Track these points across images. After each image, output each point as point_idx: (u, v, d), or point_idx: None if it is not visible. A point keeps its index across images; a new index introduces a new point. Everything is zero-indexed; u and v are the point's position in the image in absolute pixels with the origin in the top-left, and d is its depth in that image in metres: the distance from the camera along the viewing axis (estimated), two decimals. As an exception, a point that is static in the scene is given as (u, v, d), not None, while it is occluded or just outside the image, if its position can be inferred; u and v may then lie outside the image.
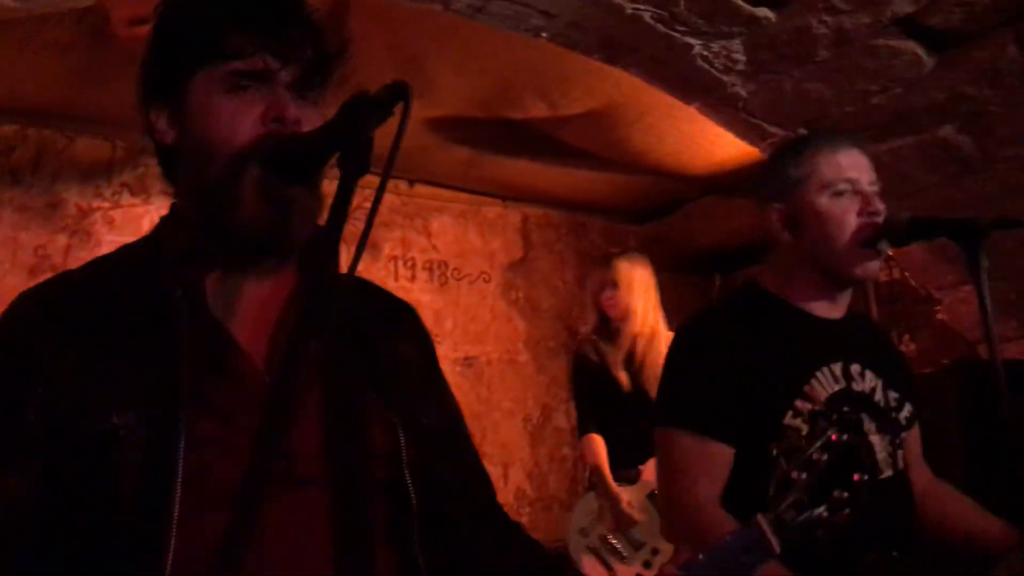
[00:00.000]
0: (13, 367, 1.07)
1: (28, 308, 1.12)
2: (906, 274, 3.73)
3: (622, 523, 3.46)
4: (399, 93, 0.96)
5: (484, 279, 5.01)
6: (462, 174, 4.67)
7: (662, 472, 1.88)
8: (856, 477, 1.21)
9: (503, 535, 1.29)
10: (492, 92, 3.67)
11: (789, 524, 1.19)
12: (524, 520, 4.73)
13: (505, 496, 4.77)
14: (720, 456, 1.76)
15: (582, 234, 5.45)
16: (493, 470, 4.90)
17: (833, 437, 1.22)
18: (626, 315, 3.64)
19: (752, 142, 2.99)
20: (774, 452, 1.75)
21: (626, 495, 3.49)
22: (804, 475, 1.21)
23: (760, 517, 1.19)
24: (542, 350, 5.14)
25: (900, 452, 1.88)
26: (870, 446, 1.32)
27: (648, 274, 3.72)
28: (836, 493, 1.20)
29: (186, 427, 0.99)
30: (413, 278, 4.71)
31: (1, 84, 3.38)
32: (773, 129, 2.90)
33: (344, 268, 0.96)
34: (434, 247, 4.85)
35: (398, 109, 0.95)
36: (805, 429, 1.75)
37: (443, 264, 4.87)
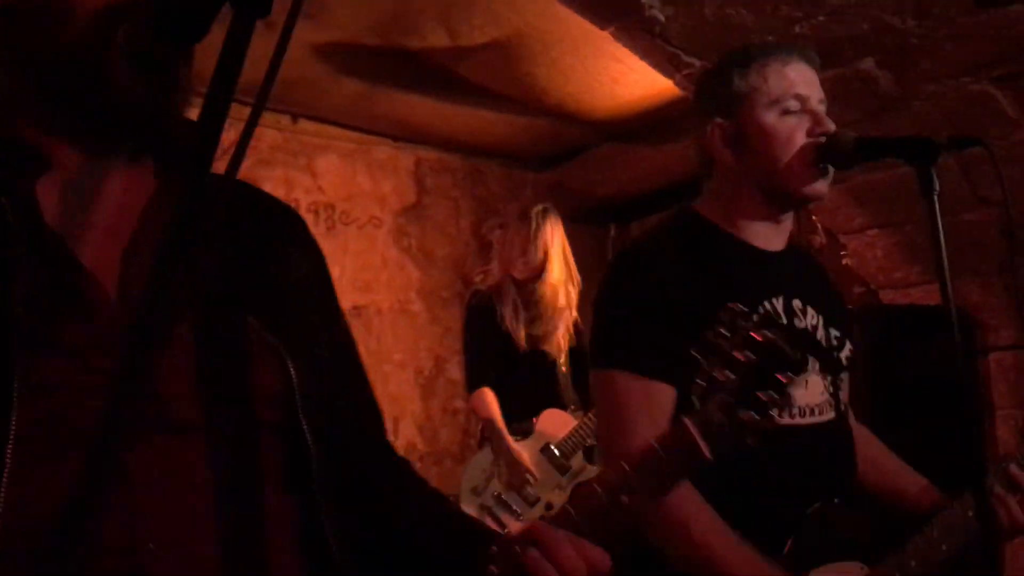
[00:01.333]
0: None
1: None
2: (814, 217, 3.69)
3: (517, 480, 3.37)
4: None
5: (374, 224, 4.77)
6: (351, 110, 4.40)
7: (601, 416, 1.77)
8: (782, 377, 1.12)
9: (397, 472, 1.17)
10: (389, 16, 3.42)
11: (715, 424, 1.10)
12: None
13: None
14: (662, 396, 1.62)
15: (479, 180, 5.26)
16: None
17: (753, 335, 1.14)
18: (539, 277, 3.60)
19: (667, 73, 2.85)
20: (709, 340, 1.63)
21: (519, 448, 3.40)
22: (728, 375, 1.12)
23: (687, 419, 1.10)
24: (435, 300, 4.96)
25: (840, 393, 1.78)
26: (795, 337, 1.21)
27: (562, 232, 3.71)
28: (761, 394, 1.11)
29: (21, 371, 0.81)
30: (297, 221, 4.44)
31: None
32: (689, 59, 2.76)
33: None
34: (320, 188, 4.58)
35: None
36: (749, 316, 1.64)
37: (330, 207, 4.61)
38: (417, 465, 4.22)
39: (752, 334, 1.14)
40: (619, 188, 5.20)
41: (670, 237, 1.82)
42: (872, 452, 1.96)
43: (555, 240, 3.66)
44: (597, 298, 1.80)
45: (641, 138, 4.69)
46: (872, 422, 2.88)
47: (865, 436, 1.98)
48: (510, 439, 3.41)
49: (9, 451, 0.79)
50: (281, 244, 1.08)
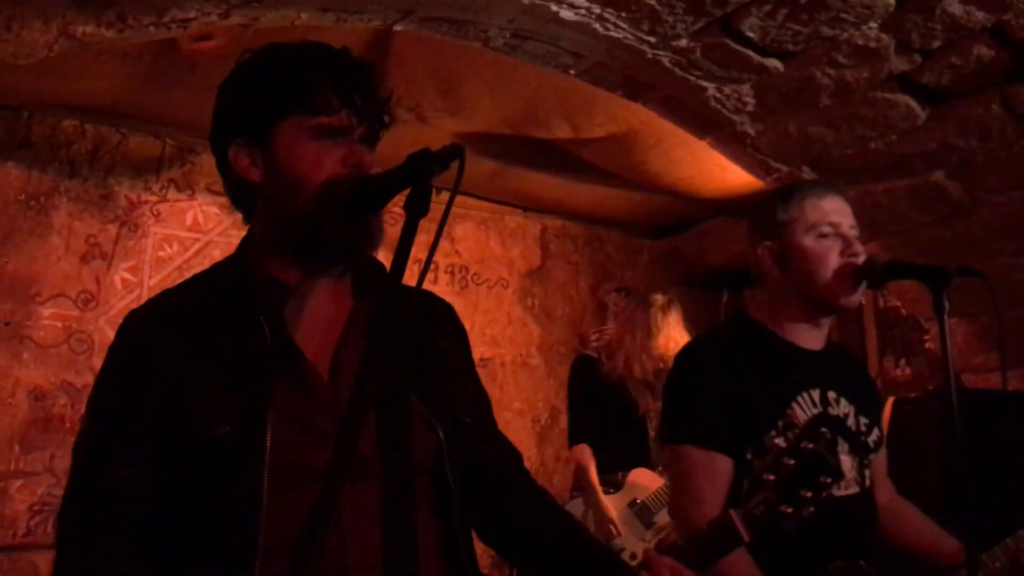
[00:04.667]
0: (131, 375, 1.32)
1: (140, 323, 1.37)
2: (899, 303, 3.96)
3: (603, 532, 3.66)
4: (456, 153, 1.23)
5: (502, 285, 5.25)
6: (487, 184, 4.91)
7: (673, 484, 2.10)
8: (822, 479, 1.38)
9: (532, 496, 1.54)
10: (521, 113, 3.92)
11: (758, 517, 1.38)
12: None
13: (511, 492, 5.01)
14: (723, 466, 1.97)
15: (597, 246, 5.69)
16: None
17: (802, 445, 1.41)
18: (657, 356, 3.92)
19: (758, 176, 3.23)
20: (748, 457, 1.98)
21: (608, 501, 3.71)
22: (773, 476, 1.39)
23: (731, 511, 1.40)
24: (553, 355, 5.37)
25: (867, 472, 2.11)
26: (836, 455, 1.52)
27: (678, 318, 4.04)
28: (802, 492, 1.37)
29: (271, 433, 1.24)
30: (435, 280, 4.96)
31: (70, 84, 3.65)
32: (778, 165, 3.14)
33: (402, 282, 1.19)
34: (456, 252, 5.10)
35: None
36: (797, 430, 1.99)
37: (464, 268, 5.12)
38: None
39: (802, 444, 1.39)
40: (729, 258, 5.50)
41: (727, 335, 2.21)
42: (912, 521, 2.24)
43: (674, 330, 3.98)
44: (667, 384, 2.20)
45: (749, 215, 4.98)
46: (942, 497, 3.16)
47: (905, 507, 2.28)
48: (602, 494, 3.72)
49: (265, 483, 1.23)
50: (438, 334, 1.49)
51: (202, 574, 1.24)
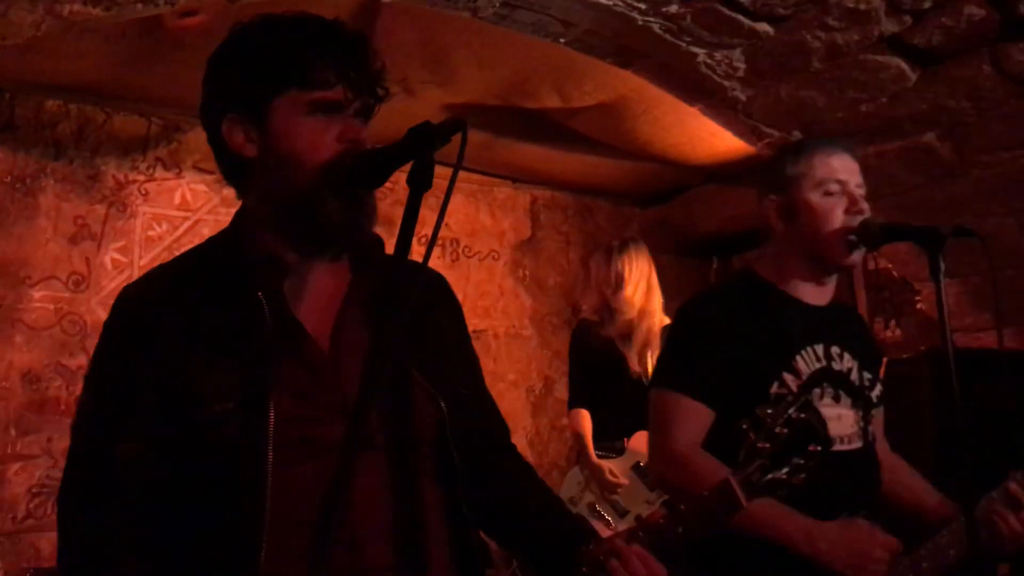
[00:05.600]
0: (130, 350, 1.32)
1: (137, 299, 1.37)
2: (889, 265, 3.98)
3: (607, 490, 3.69)
4: (457, 126, 1.23)
5: (493, 257, 5.25)
6: (476, 156, 4.86)
7: (652, 425, 2.13)
8: (811, 447, 1.48)
9: (521, 471, 1.58)
10: (510, 83, 3.90)
11: (755, 483, 1.46)
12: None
13: (507, 462, 5.05)
14: (697, 412, 2.02)
15: (588, 216, 5.69)
16: (498, 437, 5.17)
17: (793, 415, 1.50)
18: (627, 306, 3.90)
19: (749, 142, 3.23)
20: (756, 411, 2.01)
21: (611, 465, 3.73)
22: (768, 444, 1.48)
23: (730, 477, 1.47)
24: (546, 325, 5.38)
25: (870, 427, 2.15)
26: (824, 422, 1.58)
27: (647, 263, 3.98)
28: (795, 460, 1.47)
29: (274, 408, 1.25)
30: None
31: (53, 64, 3.60)
32: (769, 130, 3.14)
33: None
34: (447, 225, 5.08)
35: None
36: (790, 398, 2.02)
37: (455, 241, 5.11)
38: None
39: (791, 413, 1.49)
40: (720, 225, 5.51)
41: (732, 289, 2.23)
42: (905, 478, 2.28)
43: (633, 270, 3.92)
44: (668, 333, 2.23)
45: (739, 180, 5.00)
46: (935, 457, 3.20)
47: (899, 464, 2.31)
48: (594, 455, 3.74)
49: (270, 458, 1.24)
50: (433, 308, 1.52)
51: (209, 549, 1.25)
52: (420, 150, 1.23)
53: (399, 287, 1.26)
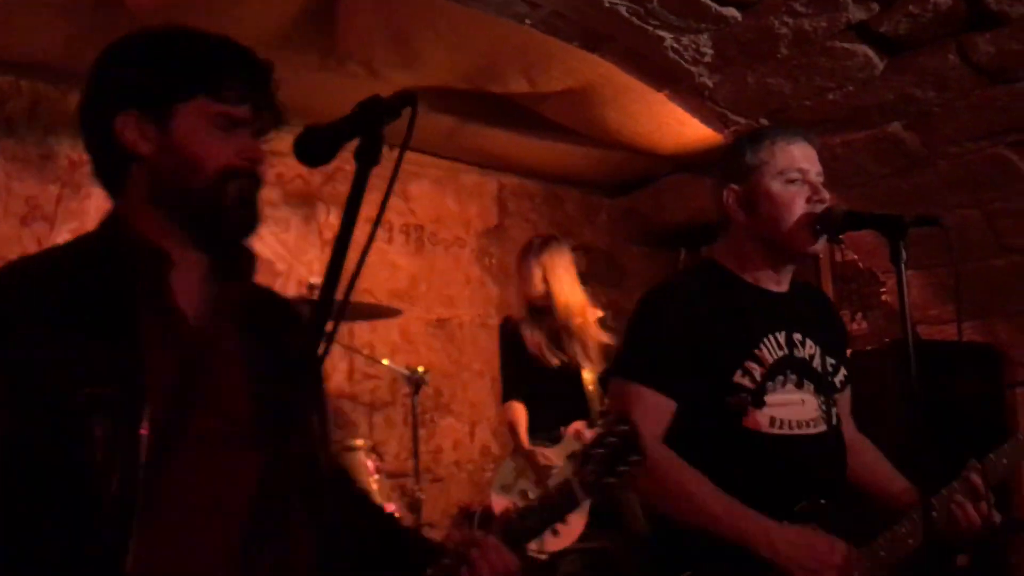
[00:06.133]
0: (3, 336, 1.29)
1: (9, 278, 1.36)
2: (855, 257, 3.98)
3: (540, 475, 3.74)
4: (408, 100, 1.18)
5: (459, 244, 5.18)
6: (442, 142, 4.81)
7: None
8: (632, 459, 1.65)
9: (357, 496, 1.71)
10: (476, 66, 3.84)
11: (590, 484, 1.64)
12: (488, 475, 4.98)
13: (471, 453, 5.00)
14: (663, 406, 2.00)
15: (556, 204, 5.63)
16: (461, 428, 5.12)
17: (619, 429, 1.67)
18: (550, 303, 3.93)
19: (716, 129, 3.20)
20: (727, 401, 1.99)
21: (547, 452, 3.77)
22: (601, 451, 1.66)
23: (571, 477, 1.63)
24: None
25: (834, 410, 2.13)
26: (642, 438, 1.69)
27: (568, 261, 4.01)
28: (619, 467, 1.65)
29: (150, 397, 1.26)
30: (390, 240, 4.87)
31: (3, 38, 3.49)
32: (736, 118, 3.11)
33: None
34: (412, 211, 5.00)
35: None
36: (753, 386, 2.00)
37: (420, 228, 5.02)
38: (490, 467, 4.73)
39: (619, 428, 1.67)
40: (688, 215, 5.49)
41: (692, 279, 2.20)
42: (868, 458, 2.28)
43: (556, 267, 3.94)
44: (629, 322, 2.19)
45: (709, 170, 4.97)
46: (900, 448, 3.20)
47: (863, 444, 2.31)
48: (526, 442, 3.80)
49: (143, 447, 1.24)
50: (293, 329, 1.56)
51: (76, 538, 1.23)
52: (368, 125, 1.18)
53: (261, 306, 1.48)
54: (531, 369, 3.93)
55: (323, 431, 1.59)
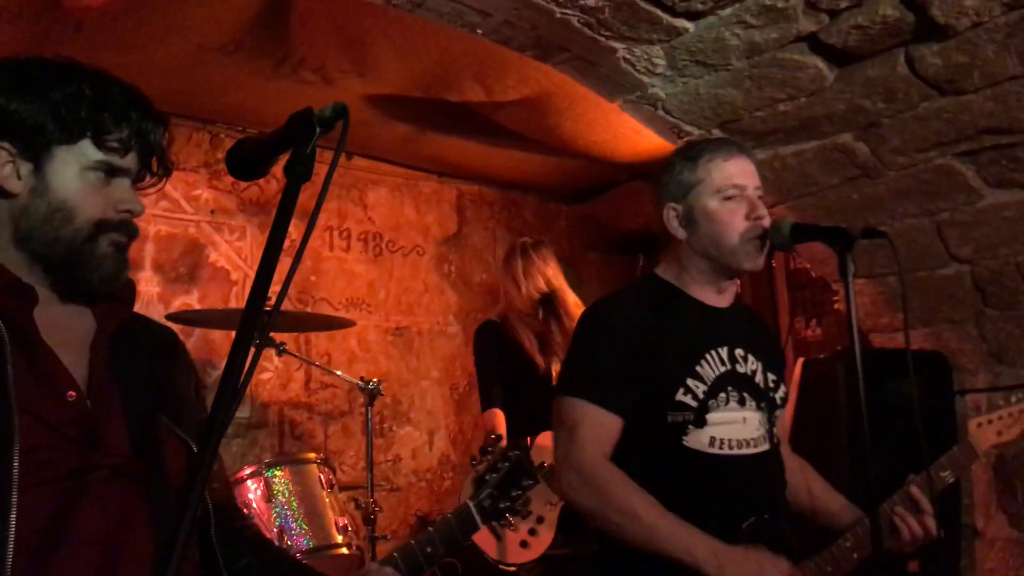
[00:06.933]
0: None
1: None
2: (807, 265, 4.01)
3: None
4: (339, 113, 1.16)
5: (418, 252, 5.16)
6: (400, 149, 4.78)
7: (558, 434, 2.09)
8: (524, 483, 1.77)
9: (248, 530, 1.66)
10: (431, 75, 3.81)
11: (486, 508, 1.72)
12: (447, 484, 4.96)
13: (430, 462, 4.97)
14: (609, 423, 1.99)
15: (515, 212, 5.64)
16: (419, 436, 5.08)
17: (510, 455, 1.80)
18: (550, 303, 3.90)
19: (670, 139, 3.20)
20: (668, 420, 1.98)
21: None
22: (495, 475, 1.75)
23: (468, 502, 1.71)
24: (471, 322, 5.26)
25: (774, 428, 2.14)
26: (531, 463, 1.79)
27: (555, 263, 4.00)
28: (513, 492, 1.75)
29: (20, 436, 1.25)
30: (348, 248, 4.83)
31: (-57, 44, 3.40)
32: (689, 128, 3.12)
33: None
34: (370, 219, 4.97)
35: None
36: (695, 404, 2.00)
37: (378, 236, 4.99)
38: (449, 475, 4.68)
39: (510, 454, 1.77)
40: (645, 222, 5.49)
41: (635, 294, 2.20)
42: (806, 477, 2.29)
43: (556, 267, 3.95)
44: (572, 337, 2.18)
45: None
46: (849, 457, 3.22)
47: (800, 464, 2.32)
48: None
49: (15, 477, 1.22)
50: (171, 363, 1.56)
51: None
52: (299, 138, 1.16)
53: (134, 342, 1.44)
54: (521, 372, 3.86)
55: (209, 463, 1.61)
